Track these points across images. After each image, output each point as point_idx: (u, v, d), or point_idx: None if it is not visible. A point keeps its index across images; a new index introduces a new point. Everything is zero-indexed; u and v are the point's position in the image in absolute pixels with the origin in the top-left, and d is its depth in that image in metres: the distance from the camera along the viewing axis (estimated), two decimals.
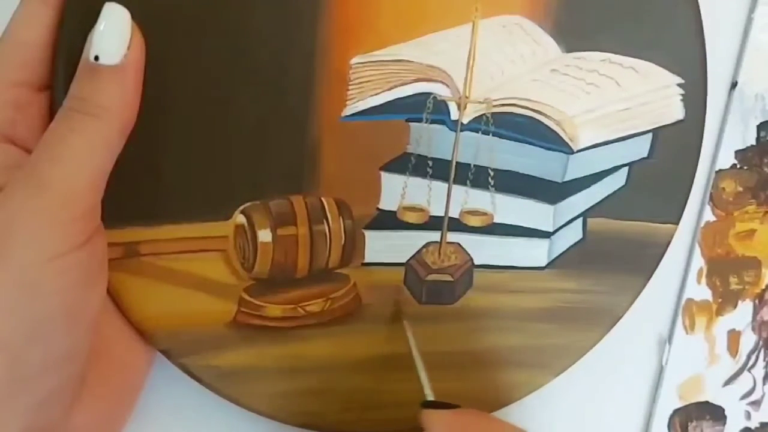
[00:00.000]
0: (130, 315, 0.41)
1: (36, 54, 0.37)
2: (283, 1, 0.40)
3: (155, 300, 0.41)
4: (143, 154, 0.38)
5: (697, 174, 0.46)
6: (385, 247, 0.44)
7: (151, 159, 0.39)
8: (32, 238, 0.32)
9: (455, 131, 0.43)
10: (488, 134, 0.43)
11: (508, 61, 0.43)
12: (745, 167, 0.50)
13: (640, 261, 0.47)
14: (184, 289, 0.41)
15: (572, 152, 0.44)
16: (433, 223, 0.44)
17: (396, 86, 0.42)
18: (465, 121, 0.43)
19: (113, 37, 0.35)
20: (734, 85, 0.50)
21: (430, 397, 0.41)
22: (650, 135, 0.45)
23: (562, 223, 0.46)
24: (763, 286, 0.51)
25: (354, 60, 0.41)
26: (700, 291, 0.51)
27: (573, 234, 0.46)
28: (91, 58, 0.34)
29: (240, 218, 0.42)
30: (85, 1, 0.36)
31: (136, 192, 0.39)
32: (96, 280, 0.36)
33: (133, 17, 0.35)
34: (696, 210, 0.50)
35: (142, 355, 0.42)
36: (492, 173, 0.44)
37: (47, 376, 0.34)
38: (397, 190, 0.44)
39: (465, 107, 0.43)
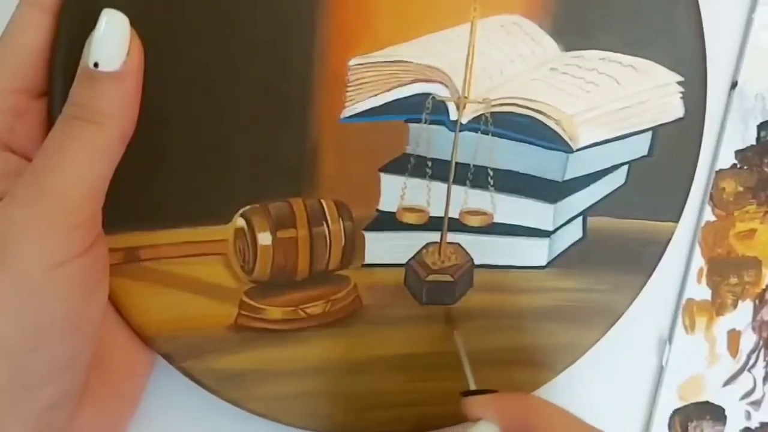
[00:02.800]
0: (130, 320, 0.41)
1: (33, 60, 0.36)
2: (282, 4, 0.39)
3: (156, 304, 0.41)
4: (142, 159, 0.38)
5: (697, 174, 0.46)
6: (385, 248, 0.44)
7: (150, 163, 0.39)
8: (34, 246, 0.32)
9: (454, 131, 0.43)
10: (488, 134, 0.43)
11: (507, 61, 0.43)
12: (745, 167, 0.50)
13: (640, 259, 0.47)
14: (184, 293, 0.41)
15: (572, 151, 0.44)
16: (433, 224, 0.44)
17: (395, 87, 0.42)
18: (464, 121, 0.43)
19: (112, 43, 0.34)
20: (734, 85, 0.50)
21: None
22: (650, 133, 0.45)
23: (562, 222, 0.46)
24: (763, 286, 0.51)
25: (352, 61, 0.41)
26: (700, 291, 0.51)
27: (573, 233, 0.46)
28: (91, 65, 0.34)
29: (240, 221, 0.42)
30: (82, 6, 0.36)
31: (135, 197, 0.39)
32: (98, 287, 0.36)
33: (131, 23, 0.35)
34: (696, 210, 0.50)
35: (143, 359, 0.42)
36: (491, 173, 0.44)
37: (51, 383, 0.34)
38: (396, 191, 0.43)
39: (464, 107, 0.43)
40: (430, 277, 0.45)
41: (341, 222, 0.43)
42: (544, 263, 0.46)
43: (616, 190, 0.46)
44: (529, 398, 0.39)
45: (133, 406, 0.43)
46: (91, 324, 0.35)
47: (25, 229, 0.32)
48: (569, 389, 0.48)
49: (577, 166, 0.45)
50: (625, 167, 0.46)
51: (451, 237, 0.45)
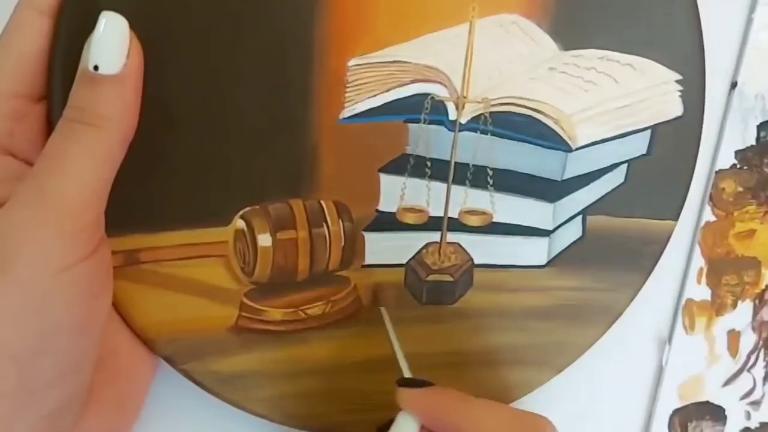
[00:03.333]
0: (132, 323, 0.41)
1: (32, 64, 0.36)
2: (281, 5, 0.39)
3: (157, 307, 0.41)
4: (141, 161, 0.38)
5: (697, 174, 0.46)
6: (384, 249, 0.44)
7: (149, 165, 0.39)
8: (39, 251, 0.32)
9: (454, 131, 0.43)
10: (487, 134, 0.43)
11: (505, 60, 0.43)
12: (745, 167, 0.50)
13: (640, 258, 0.47)
14: (185, 296, 0.42)
15: (571, 150, 0.44)
16: (433, 224, 0.44)
17: (394, 87, 0.42)
18: (463, 121, 0.43)
19: (112, 46, 0.34)
20: (734, 85, 0.50)
21: (407, 375, 0.41)
22: (649, 132, 0.45)
23: (562, 221, 0.46)
24: (763, 286, 0.51)
25: (351, 62, 0.41)
26: (700, 291, 0.51)
27: (572, 232, 0.46)
28: (90, 68, 0.34)
29: (239, 223, 0.42)
30: (81, 9, 0.36)
31: (135, 199, 0.39)
32: (102, 291, 0.36)
33: (130, 25, 0.35)
34: (696, 210, 0.50)
35: (145, 362, 0.42)
36: (491, 173, 0.44)
37: (56, 387, 0.34)
38: (396, 192, 0.43)
39: (463, 107, 0.43)
40: (431, 277, 0.45)
41: (341, 223, 0.43)
42: (543, 262, 0.46)
43: (615, 188, 0.46)
44: (458, 397, 0.39)
45: (138, 409, 0.43)
46: (96, 327, 0.36)
47: (28, 233, 0.32)
48: (569, 389, 0.48)
49: (576, 165, 0.45)
50: (625, 166, 0.46)
51: (451, 237, 0.45)
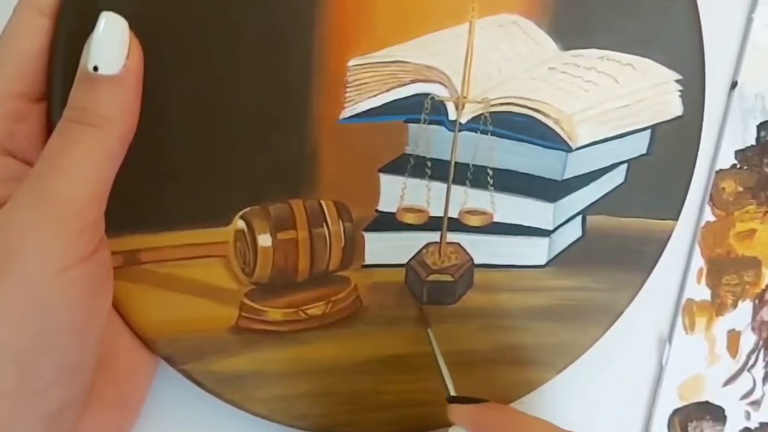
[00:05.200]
0: (132, 323, 0.41)
1: (32, 64, 0.36)
2: (280, 5, 0.39)
3: (157, 307, 0.41)
4: (141, 161, 0.38)
5: (697, 174, 0.46)
6: (385, 249, 0.44)
7: (149, 165, 0.39)
8: (40, 252, 0.32)
9: (453, 131, 0.43)
10: (487, 134, 0.43)
11: (505, 60, 0.43)
12: (745, 167, 0.50)
13: (640, 258, 0.47)
14: (185, 296, 0.41)
15: (571, 150, 0.44)
16: (433, 224, 0.44)
17: (394, 87, 0.42)
18: (463, 121, 0.43)
19: (112, 46, 0.34)
20: (734, 84, 0.50)
21: (453, 393, 0.42)
22: (649, 131, 0.45)
23: (562, 221, 0.46)
24: (763, 286, 0.51)
25: (351, 62, 0.41)
26: (700, 291, 0.51)
27: (573, 232, 0.46)
28: (90, 69, 0.34)
29: (240, 223, 0.42)
30: (81, 9, 0.36)
31: (135, 199, 0.39)
32: (102, 291, 0.36)
33: (129, 25, 0.35)
34: (696, 210, 0.50)
35: (145, 362, 0.42)
36: (491, 173, 0.44)
37: (58, 387, 0.34)
38: (396, 192, 0.43)
39: (463, 107, 0.43)
40: (431, 277, 0.45)
41: (341, 223, 0.43)
42: (543, 262, 0.46)
43: (615, 188, 0.46)
44: (509, 412, 0.40)
45: (138, 408, 0.43)
46: (97, 327, 0.36)
47: (29, 233, 0.32)
48: (569, 389, 0.48)
49: (577, 165, 0.45)
50: (625, 166, 0.46)
51: (451, 237, 0.45)
